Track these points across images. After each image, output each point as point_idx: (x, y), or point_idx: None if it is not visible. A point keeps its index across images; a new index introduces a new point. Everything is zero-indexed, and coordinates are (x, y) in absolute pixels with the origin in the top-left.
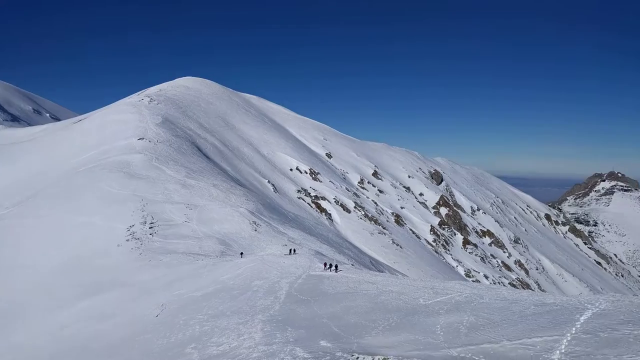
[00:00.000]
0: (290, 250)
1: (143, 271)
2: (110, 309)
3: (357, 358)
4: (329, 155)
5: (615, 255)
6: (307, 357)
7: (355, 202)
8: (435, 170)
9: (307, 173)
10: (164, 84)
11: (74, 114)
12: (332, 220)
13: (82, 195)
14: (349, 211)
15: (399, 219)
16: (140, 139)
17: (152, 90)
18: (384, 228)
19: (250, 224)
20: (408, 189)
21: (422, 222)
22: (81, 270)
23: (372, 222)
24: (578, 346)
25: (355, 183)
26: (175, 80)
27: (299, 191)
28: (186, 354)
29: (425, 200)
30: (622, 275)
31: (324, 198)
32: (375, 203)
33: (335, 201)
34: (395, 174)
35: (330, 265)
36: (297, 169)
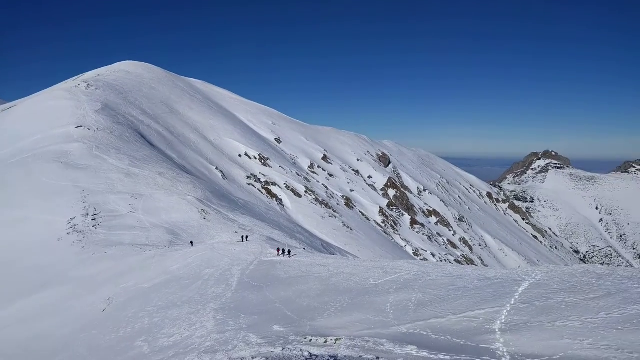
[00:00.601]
0: (243, 237)
1: (87, 265)
2: (51, 306)
3: (310, 340)
4: (278, 140)
5: (550, 229)
6: (260, 342)
7: (305, 187)
8: (383, 153)
9: (256, 159)
10: (101, 68)
11: (2, 101)
12: (283, 205)
13: (15, 188)
14: (299, 196)
15: (349, 202)
16: (78, 126)
17: (90, 75)
18: (334, 211)
19: (199, 212)
20: (357, 172)
21: (371, 204)
22: (16, 268)
23: (323, 206)
24: (516, 315)
25: (306, 167)
26: (114, 64)
27: (248, 177)
28: (136, 348)
29: (374, 183)
30: (556, 248)
31: (274, 183)
32: (326, 187)
33: (285, 186)
34: (345, 157)
35: (284, 251)
36: (245, 154)
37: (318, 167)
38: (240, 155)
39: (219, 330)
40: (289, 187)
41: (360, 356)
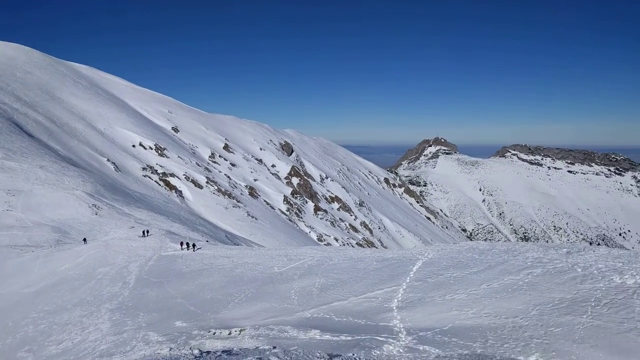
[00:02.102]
0: (144, 231)
1: None
2: None
3: (214, 333)
4: (175, 129)
5: (441, 210)
6: (161, 340)
7: (207, 177)
8: (285, 141)
9: (152, 149)
10: None
11: None
12: (183, 197)
13: None
14: (200, 187)
15: (253, 192)
16: None
17: None
18: (238, 201)
19: (89, 207)
20: (260, 161)
21: (276, 193)
22: None
23: (226, 196)
24: (411, 293)
25: (206, 157)
26: None
27: (144, 169)
28: (18, 359)
29: (278, 172)
30: (447, 227)
31: (172, 175)
32: (228, 177)
33: (185, 177)
34: (247, 146)
35: (188, 244)
36: (140, 144)
37: (219, 156)
38: (134, 146)
39: (116, 332)
40: (188, 178)
41: (257, 347)
